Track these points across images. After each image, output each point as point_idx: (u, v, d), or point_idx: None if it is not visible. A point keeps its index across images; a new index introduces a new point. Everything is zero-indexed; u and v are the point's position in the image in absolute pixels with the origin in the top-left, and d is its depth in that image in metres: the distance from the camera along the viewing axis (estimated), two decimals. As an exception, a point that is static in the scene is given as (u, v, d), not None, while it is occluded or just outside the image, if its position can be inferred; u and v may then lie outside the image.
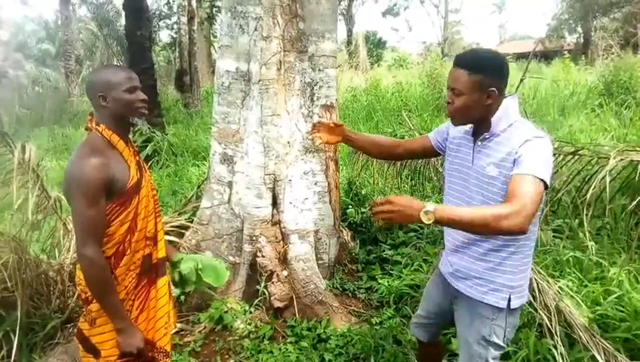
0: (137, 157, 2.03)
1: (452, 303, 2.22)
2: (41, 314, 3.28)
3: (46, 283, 3.39)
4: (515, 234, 1.71)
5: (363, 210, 4.79)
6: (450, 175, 2.17)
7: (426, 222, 1.65)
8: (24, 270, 3.16)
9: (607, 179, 3.44)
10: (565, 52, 16.42)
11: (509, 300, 1.96)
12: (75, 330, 2.15)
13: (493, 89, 1.87)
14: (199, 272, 2.30)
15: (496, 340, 2.01)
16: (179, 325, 3.54)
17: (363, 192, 5.29)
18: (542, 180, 1.72)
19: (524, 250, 1.97)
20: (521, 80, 4.62)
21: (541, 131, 1.92)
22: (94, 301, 1.91)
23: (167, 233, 3.87)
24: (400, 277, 3.93)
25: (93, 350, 1.96)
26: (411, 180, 5.28)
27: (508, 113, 1.92)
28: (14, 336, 2.94)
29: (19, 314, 2.98)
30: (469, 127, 2.08)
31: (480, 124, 1.98)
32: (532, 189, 1.70)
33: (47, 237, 3.66)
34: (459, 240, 2.11)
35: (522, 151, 1.80)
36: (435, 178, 4.66)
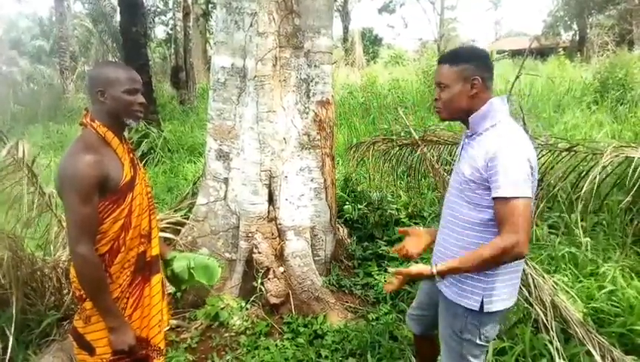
0: (131, 155, 2.02)
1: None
2: (36, 311, 3.26)
3: (41, 280, 3.37)
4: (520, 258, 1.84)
5: (359, 206, 4.78)
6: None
7: (434, 277, 1.92)
8: (19, 267, 3.15)
9: (602, 175, 3.46)
10: (561, 49, 16.45)
11: (482, 303, 1.95)
12: (70, 327, 2.14)
13: (476, 77, 1.91)
14: (192, 271, 2.29)
15: (469, 337, 2.02)
16: (175, 322, 3.53)
17: (359, 189, 5.29)
18: (524, 197, 1.76)
19: None
20: (517, 77, 4.61)
21: (519, 133, 1.91)
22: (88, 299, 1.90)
23: (163, 230, 3.87)
24: (396, 273, 3.93)
25: (87, 347, 1.95)
26: (407, 177, 5.29)
27: (494, 112, 1.93)
28: (10, 333, 2.93)
29: (14, 311, 2.97)
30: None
31: (467, 117, 1.98)
32: (520, 212, 1.76)
33: (43, 233, 3.64)
34: (440, 239, 2.14)
35: (496, 167, 1.80)
36: (431, 174, 4.66)
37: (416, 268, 1.95)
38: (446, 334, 2.11)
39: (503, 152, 1.80)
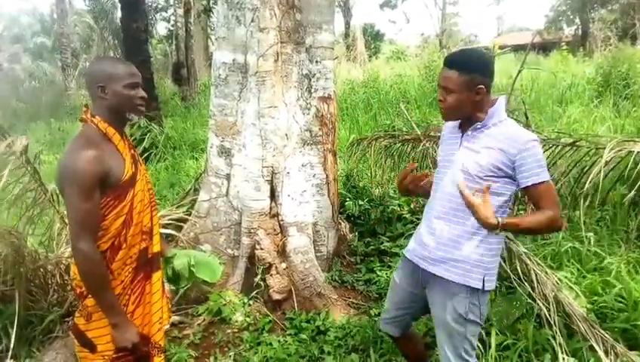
0: (132, 151, 2.01)
1: (424, 287, 2.27)
2: (39, 308, 3.27)
3: (44, 276, 3.38)
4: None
5: (361, 202, 4.78)
6: (438, 168, 2.30)
7: (495, 224, 1.86)
8: (22, 263, 3.15)
9: (605, 170, 3.44)
10: (563, 44, 16.37)
11: (484, 281, 2.08)
12: (71, 325, 2.14)
13: (482, 86, 2.02)
14: (192, 268, 2.29)
15: (472, 317, 2.11)
16: (177, 318, 3.53)
17: (361, 184, 5.28)
18: (550, 181, 1.99)
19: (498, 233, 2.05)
20: (519, 71, 4.60)
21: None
22: (90, 295, 1.89)
23: (165, 226, 3.87)
24: (398, 269, 3.92)
25: (89, 345, 1.95)
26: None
27: (500, 110, 2.09)
28: (13, 330, 2.94)
29: (17, 308, 2.98)
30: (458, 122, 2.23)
31: (470, 118, 2.12)
32: (554, 193, 2.01)
33: (45, 230, 3.65)
34: (434, 229, 2.18)
35: (528, 158, 1.96)
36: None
37: (485, 209, 1.84)
38: (448, 319, 2.13)
39: (534, 144, 1.98)
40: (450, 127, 2.29)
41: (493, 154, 2.01)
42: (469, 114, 2.10)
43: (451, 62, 2.06)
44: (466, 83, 2.00)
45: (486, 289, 2.10)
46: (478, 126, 2.09)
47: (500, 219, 1.86)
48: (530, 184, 1.97)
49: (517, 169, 1.98)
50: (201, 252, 2.55)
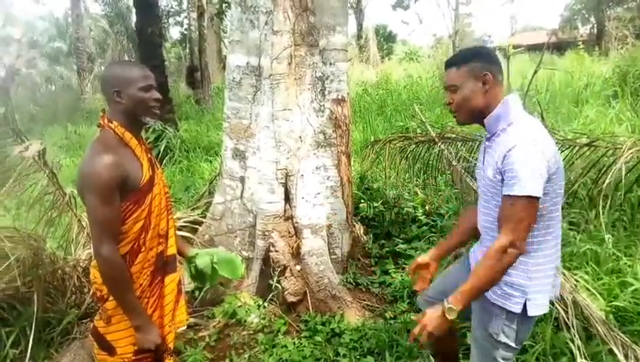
0: (149, 155, 2.03)
1: None
2: (57, 310, 3.31)
3: (62, 278, 3.42)
4: (518, 258, 1.80)
5: (375, 204, 4.77)
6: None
7: (453, 316, 1.81)
8: (40, 266, 3.19)
9: (623, 170, 3.40)
10: (579, 43, 16.18)
11: (525, 306, 1.90)
12: (90, 328, 2.16)
13: (486, 73, 1.90)
14: (215, 266, 2.30)
15: (504, 340, 1.97)
16: (193, 320, 3.55)
17: (375, 186, 5.27)
18: (527, 196, 1.74)
19: (535, 255, 1.91)
20: (535, 72, 4.56)
21: (536, 129, 1.87)
22: (110, 299, 1.91)
23: (180, 229, 3.90)
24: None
25: (108, 347, 1.97)
26: (424, 174, 5.25)
27: (507, 111, 1.91)
28: (31, 331, 2.98)
29: (35, 310, 3.02)
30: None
31: (484, 118, 1.96)
32: (517, 211, 1.77)
33: (63, 233, 3.69)
34: (484, 238, 2.09)
35: (508, 165, 1.80)
36: (449, 172, 4.63)
37: (427, 315, 1.86)
38: (480, 335, 2.05)
39: (515, 150, 1.78)
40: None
41: (492, 165, 1.89)
42: (481, 110, 1.94)
43: (448, 62, 2.02)
44: (467, 73, 1.91)
45: (529, 314, 1.91)
46: (489, 136, 1.97)
47: (448, 312, 1.79)
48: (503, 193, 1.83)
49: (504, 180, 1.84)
50: (222, 250, 2.56)
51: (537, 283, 1.91)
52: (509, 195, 1.78)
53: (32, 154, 3.31)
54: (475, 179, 2.46)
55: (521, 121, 1.89)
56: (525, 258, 1.88)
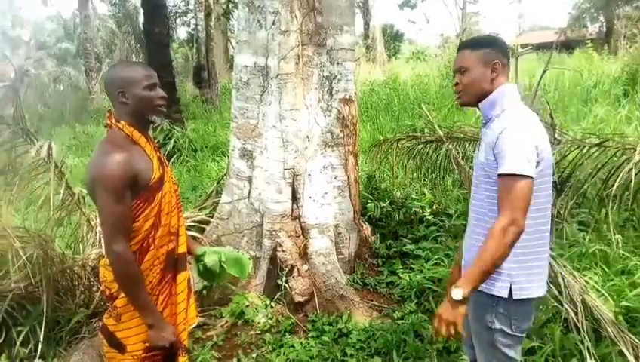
0: (158, 153, 2.03)
1: None
2: (66, 309, 3.33)
3: (71, 278, 3.44)
4: (520, 235, 1.78)
5: (383, 204, 4.76)
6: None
7: (460, 298, 1.77)
8: (50, 265, 3.21)
9: (634, 171, 3.37)
10: (588, 41, 16.05)
11: (511, 290, 1.93)
12: (100, 326, 2.17)
13: (497, 61, 1.97)
14: (223, 264, 2.31)
15: (499, 326, 1.98)
16: (201, 319, 3.56)
17: (382, 186, 5.26)
18: (523, 175, 1.77)
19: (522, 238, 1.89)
20: (544, 71, 4.52)
21: (526, 116, 1.93)
22: (120, 297, 1.91)
23: (188, 228, 3.90)
24: (421, 271, 3.90)
25: (118, 345, 1.97)
26: (431, 173, 5.23)
27: (502, 99, 1.97)
28: (40, 330, 3.00)
29: (44, 309, 3.03)
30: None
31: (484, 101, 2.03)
32: (513, 190, 1.78)
33: (72, 232, 3.71)
34: (469, 244, 2.11)
35: (499, 146, 1.84)
36: (457, 171, 4.61)
37: (441, 308, 1.84)
38: (478, 328, 2.07)
39: (507, 131, 1.84)
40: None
41: (485, 149, 1.95)
42: (485, 95, 2.00)
43: (464, 44, 2.09)
44: (480, 57, 1.97)
45: (515, 298, 1.93)
46: (484, 122, 2.04)
47: (454, 293, 1.76)
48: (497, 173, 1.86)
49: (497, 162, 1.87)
50: (229, 249, 2.57)
51: (523, 267, 1.94)
52: (502, 174, 1.81)
53: (45, 154, 3.34)
54: None
55: (514, 108, 1.96)
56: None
